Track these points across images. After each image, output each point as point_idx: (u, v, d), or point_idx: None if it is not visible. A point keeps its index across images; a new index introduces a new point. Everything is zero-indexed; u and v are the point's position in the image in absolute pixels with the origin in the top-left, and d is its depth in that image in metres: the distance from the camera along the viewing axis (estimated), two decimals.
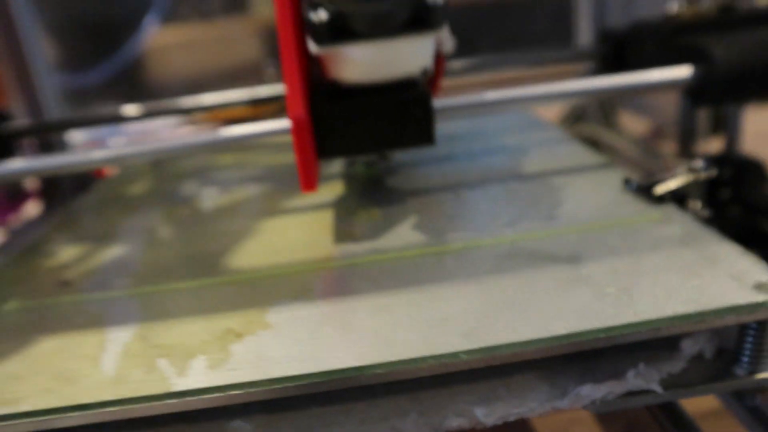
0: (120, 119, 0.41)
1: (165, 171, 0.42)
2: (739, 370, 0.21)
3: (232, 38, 1.03)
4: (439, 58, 0.30)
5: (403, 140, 0.27)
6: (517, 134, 0.40)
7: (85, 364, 0.21)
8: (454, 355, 0.19)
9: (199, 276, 0.26)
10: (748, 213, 0.35)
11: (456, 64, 0.43)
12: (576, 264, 0.23)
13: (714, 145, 0.46)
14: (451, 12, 0.25)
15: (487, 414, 0.20)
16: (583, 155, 0.35)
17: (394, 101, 0.27)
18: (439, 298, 0.21)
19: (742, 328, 0.20)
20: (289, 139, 0.29)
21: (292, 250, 0.27)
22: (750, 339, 0.20)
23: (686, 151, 0.46)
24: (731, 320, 0.19)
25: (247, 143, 0.30)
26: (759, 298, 0.19)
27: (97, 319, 0.23)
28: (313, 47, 0.24)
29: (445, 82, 0.34)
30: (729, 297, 0.20)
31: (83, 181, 0.52)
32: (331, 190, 0.34)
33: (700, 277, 0.21)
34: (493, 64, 0.46)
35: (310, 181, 0.26)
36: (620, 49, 0.41)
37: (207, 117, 0.76)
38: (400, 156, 0.37)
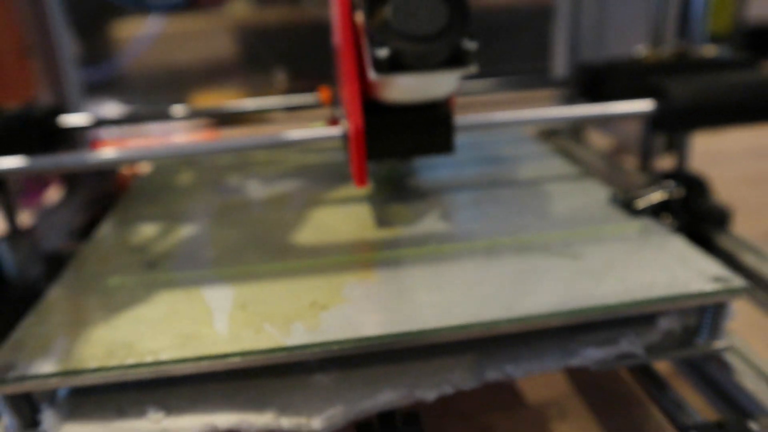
0: (167, 118, 0.46)
1: (203, 165, 0.48)
2: (700, 341, 0.28)
3: (208, 33, 1.08)
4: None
5: (430, 149, 0.34)
6: (514, 149, 0.47)
7: (201, 327, 0.26)
8: (498, 322, 0.25)
9: (272, 260, 0.31)
10: (694, 220, 0.43)
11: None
12: (580, 259, 0.29)
13: (667, 162, 0.53)
14: None
15: (515, 369, 0.26)
16: (570, 169, 0.42)
17: (425, 118, 0.33)
18: (477, 282, 0.28)
19: (702, 311, 0.27)
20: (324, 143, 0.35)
21: (346, 241, 0.33)
22: (708, 318, 0.27)
23: (645, 167, 0.53)
24: (697, 302, 0.26)
25: (301, 146, 0.36)
26: (717, 286, 0.26)
27: (195, 293, 0.29)
28: (372, 74, 0.30)
29: None
30: (696, 286, 0.27)
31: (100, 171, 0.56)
32: (360, 189, 0.40)
33: (674, 271, 0.28)
34: (484, 87, 0.52)
35: (363, 178, 0.32)
36: (596, 81, 0.47)
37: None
38: (417, 160, 0.44)
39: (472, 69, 0.30)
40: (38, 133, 0.40)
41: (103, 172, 0.56)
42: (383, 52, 0.29)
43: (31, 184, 0.57)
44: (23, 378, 0.23)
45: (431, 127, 0.34)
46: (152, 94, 1.01)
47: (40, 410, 0.25)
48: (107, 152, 0.35)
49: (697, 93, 0.38)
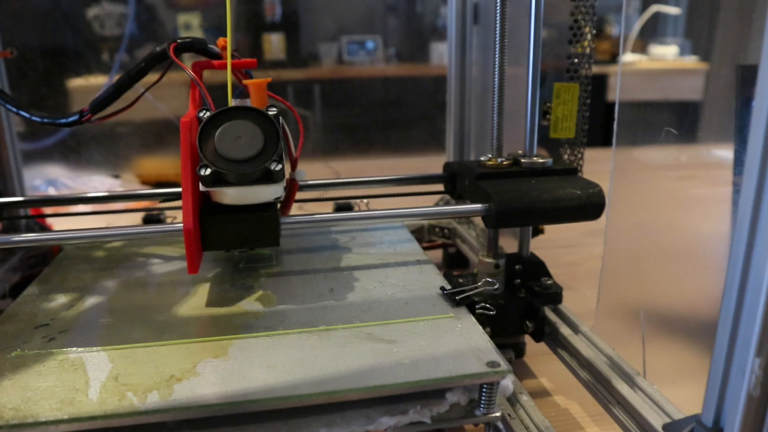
0: (87, 200, 0.53)
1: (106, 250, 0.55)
2: (478, 412, 0.35)
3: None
4: (294, 185, 0.45)
5: (258, 242, 0.42)
6: (385, 234, 0.56)
7: (77, 394, 0.33)
8: (309, 395, 0.32)
9: (150, 338, 0.38)
10: (530, 294, 0.51)
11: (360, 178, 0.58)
12: (394, 345, 0.37)
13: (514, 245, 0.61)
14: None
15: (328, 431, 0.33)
16: (419, 257, 0.50)
17: (253, 217, 0.41)
18: (303, 362, 0.35)
19: (480, 388, 0.35)
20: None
21: (213, 321, 0.40)
22: (484, 394, 0.35)
23: (492, 250, 0.59)
24: (471, 381, 0.34)
25: (150, 237, 0.44)
26: (486, 370, 0.34)
27: (80, 365, 0.35)
28: (201, 187, 0.38)
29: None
30: (473, 368, 0.34)
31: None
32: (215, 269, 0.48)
33: (461, 356, 0.36)
34: (378, 182, 0.60)
35: (194, 267, 0.40)
36: (453, 179, 0.56)
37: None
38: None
39: (281, 184, 0.38)
40: None
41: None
42: (205, 172, 0.37)
43: None
44: None
45: (259, 224, 0.41)
46: (98, 156, 1.09)
47: None
48: (28, 236, 0.43)
49: (510, 198, 0.46)
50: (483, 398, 0.35)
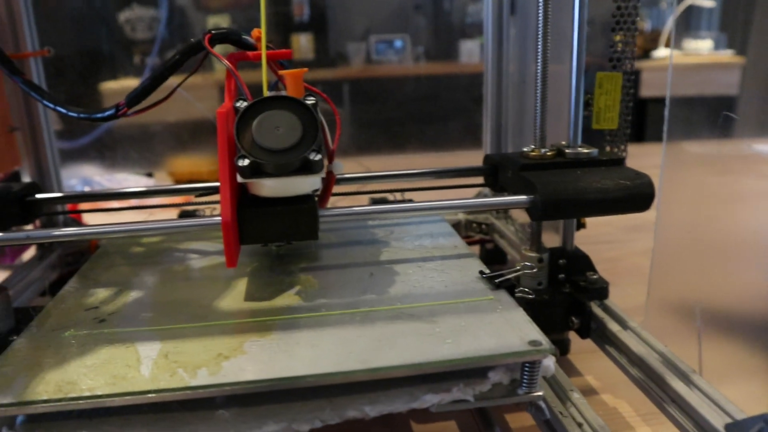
0: (124, 196, 0.54)
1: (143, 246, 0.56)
2: (520, 391, 0.36)
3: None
4: (331, 177, 0.45)
5: (297, 235, 0.41)
6: (426, 229, 0.56)
7: (129, 371, 0.34)
8: (353, 372, 0.33)
9: (196, 320, 0.39)
10: (575, 289, 0.50)
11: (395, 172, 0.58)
12: (435, 324, 0.37)
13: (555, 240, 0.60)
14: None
15: (371, 410, 0.34)
16: (460, 248, 0.50)
17: (291, 210, 0.40)
18: (346, 341, 0.36)
19: (522, 367, 0.35)
20: None
21: (257, 306, 0.41)
22: (526, 373, 0.35)
23: (535, 243, 0.59)
24: (514, 360, 0.34)
25: (188, 231, 0.45)
26: (528, 348, 0.34)
27: (130, 344, 0.37)
28: (239, 178, 0.38)
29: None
30: (515, 347, 0.35)
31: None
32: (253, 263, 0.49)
33: (503, 336, 0.36)
34: (416, 175, 0.59)
35: (232, 260, 0.39)
36: (495, 171, 0.55)
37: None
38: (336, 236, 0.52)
39: (320, 175, 0.38)
40: (17, 207, 0.48)
41: None
42: (243, 163, 0.37)
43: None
44: None
45: (296, 217, 0.40)
46: (133, 154, 1.11)
47: None
48: (67, 230, 0.44)
49: (557, 189, 0.45)
50: (525, 377, 0.35)
